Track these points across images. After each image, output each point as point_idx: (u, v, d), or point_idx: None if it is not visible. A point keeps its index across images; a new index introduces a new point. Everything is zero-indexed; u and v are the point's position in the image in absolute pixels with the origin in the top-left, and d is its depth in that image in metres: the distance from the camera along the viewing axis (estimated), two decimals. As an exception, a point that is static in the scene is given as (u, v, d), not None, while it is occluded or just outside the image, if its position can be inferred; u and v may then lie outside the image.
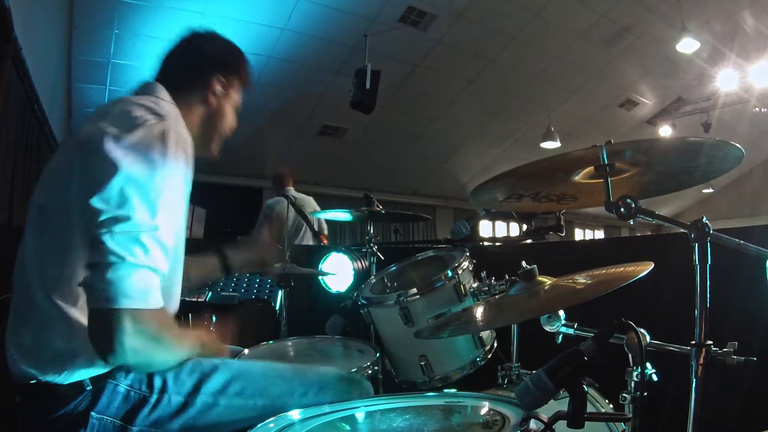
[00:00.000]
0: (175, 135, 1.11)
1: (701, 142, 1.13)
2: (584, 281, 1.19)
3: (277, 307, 2.71)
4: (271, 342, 2.01)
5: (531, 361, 1.71)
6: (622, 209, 1.13)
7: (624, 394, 1.14)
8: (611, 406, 1.59)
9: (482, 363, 1.75)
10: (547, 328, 1.33)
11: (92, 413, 1.10)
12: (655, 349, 1.21)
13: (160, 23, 6.16)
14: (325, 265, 3.40)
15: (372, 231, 2.52)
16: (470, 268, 1.82)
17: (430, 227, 12.12)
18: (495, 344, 1.82)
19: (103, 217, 0.99)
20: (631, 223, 1.15)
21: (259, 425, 1.06)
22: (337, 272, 3.25)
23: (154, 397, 1.16)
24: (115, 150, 1.04)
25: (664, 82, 10.17)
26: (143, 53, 6.38)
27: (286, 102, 8.38)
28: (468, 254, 1.85)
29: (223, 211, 5.49)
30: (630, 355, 1.13)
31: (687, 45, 7.99)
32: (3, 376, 1.14)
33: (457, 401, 1.18)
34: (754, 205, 15.02)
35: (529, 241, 1.76)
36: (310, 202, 5.02)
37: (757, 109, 10.54)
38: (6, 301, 1.18)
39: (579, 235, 16.01)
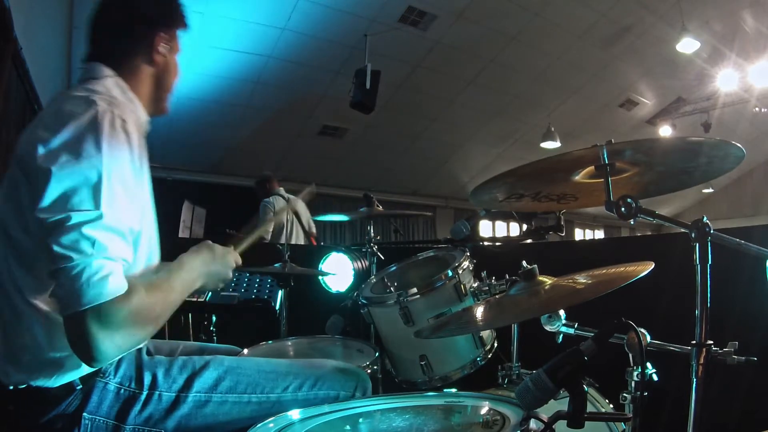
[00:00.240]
0: (110, 116, 1.06)
1: (701, 142, 1.13)
2: (584, 281, 1.19)
3: (277, 307, 2.71)
4: (270, 342, 2.02)
5: (531, 361, 1.71)
6: (622, 209, 1.13)
7: (624, 394, 1.14)
8: (611, 406, 1.59)
9: (482, 363, 1.75)
10: (548, 328, 1.33)
11: (84, 414, 1.10)
12: (656, 349, 1.21)
13: (160, 23, 6.15)
14: (325, 265, 3.40)
15: (372, 231, 2.52)
16: (470, 268, 1.82)
17: (430, 227, 12.12)
18: (495, 344, 1.82)
19: (48, 223, 0.97)
20: (632, 223, 1.15)
21: (258, 425, 1.06)
22: (337, 272, 3.25)
23: (144, 394, 1.15)
24: (47, 155, 1.00)
25: (664, 82, 10.16)
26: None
27: (286, 102, 8.38)
28: (468, 254, 1.85)
29: (223, 211, 5.48)
30: (630, 355, 1.13)
31: (687, 45, 7.99)
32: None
33: (457, 401, 1.18)
34: (754, 205, 15.02)
35: (529, 241, 1.76)
36: (299, 203, 5.07)
37: (757, 109, 10.53)
38: None
39: (579, 235, 16.01)
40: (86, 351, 0.95)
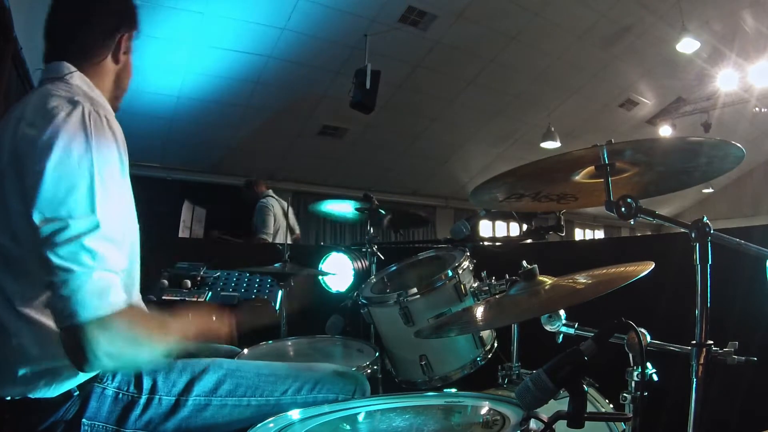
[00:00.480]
0: (95, 115, 1.05)
1: (701, 142, 1.13)
2: (584, 281, 1.19)
3: (277, 307, 2.71)
4: (270, 342, 2.02)
5: (531, 361, 1.71)
6: (622, 209, 1.13)
7: (624, 394, 1.14)
8: (611, 406, 1.59)
9: (482, 363, 1.75)
10: (548, 328, 1.33)
11: (83, 420, 1.09)
12: (656, 348, 1.21)
13: (160, 23, 6.15)
14: (325, 265, 3.40)
15: (372, 231, 2.52)
16: (470, 268, 1.82)
17: (430, 227, 12.12)
18: (495, 344, 1.82)
19: (43, 232, 0.94)
20: (632, 222, 1.15)
21: (258, 425, 1.05)
22: (337, 272, 3.26)
23: (144, 398, 1.15)
24: (38, 154, 0.98)
25: (664, 82, 10.16)
26: (143, 53, 6.35)
27: (286, 102, 8.38)
28: (468, 254, 1.85)
29: (223, 211, 5.48)
30: (630, 355, 1.13)
31: (687, 45, 7.98)
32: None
33: (457, 401, 1.18)
34: (754, 205, 15.01)
35: (529, 241, 1.76)
36: (284, 205, 5.16)
37: (757, 109, 10.52)
38: None
39: (579, 235, 16.00)
40: (84, 359, 0.95)
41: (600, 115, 10.81)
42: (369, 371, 1.65)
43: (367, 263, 2.53)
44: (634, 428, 1.04)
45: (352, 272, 3.30)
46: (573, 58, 8.77)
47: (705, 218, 1.07)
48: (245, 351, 1.75)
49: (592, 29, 8.15)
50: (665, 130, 11.39)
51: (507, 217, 1.68)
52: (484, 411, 1.09)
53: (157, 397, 1.16)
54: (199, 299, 2.58)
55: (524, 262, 1.26)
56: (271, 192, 5.12)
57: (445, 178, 12.06)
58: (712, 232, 1.07)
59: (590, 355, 0.90)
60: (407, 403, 1.18)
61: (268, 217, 4.91)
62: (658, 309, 1.94)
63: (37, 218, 0.95)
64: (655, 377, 1.21)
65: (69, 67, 1.18)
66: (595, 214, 15.60)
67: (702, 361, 1.06)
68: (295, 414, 1.12)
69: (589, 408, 0.90)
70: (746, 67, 9.11)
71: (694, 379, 1.06)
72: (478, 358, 1.74)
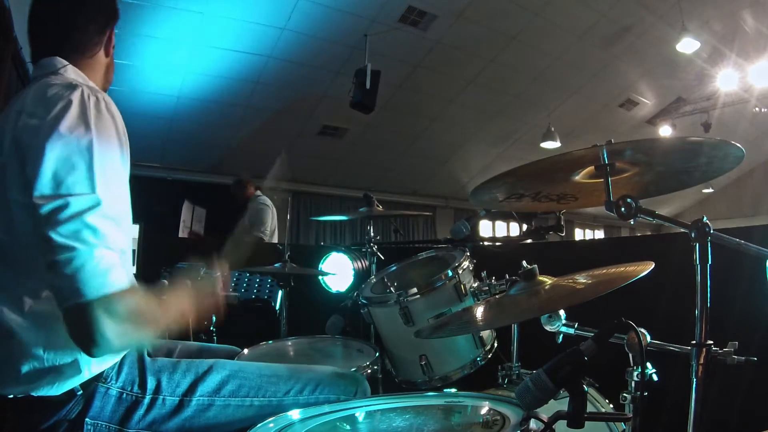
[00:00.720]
0: (95, 99, 1.06)
1: (701, 142, 1.13)
2: (584, 281, 1.19)
3: (277, 307, 2.71)
4: (270, 342, 2.02)
5: (531, 361, 1.71)
6: (622, 209, 1.13)
7: (624, 394, 1.14)
8: (611, 406, 1.59)
9: (482, 363, 1.75)
10: (548, 328, 1.33)
11: (86, 419, 1.09)
12: (656, 348, 1.21)
13: (160, 23, 6.15)
14: (325, 265, 3.40)
15: (372, 231, 2.52)
16: (470, 268, 1.82)
17: (430, 227, 12.12)
18: (495, 344, 1.82)
19: (44, 211, 0.94)
20: (631, 222, 1.15)
21: (258, 425, 1.06)
22: (337, 272, 3.26)
23: (148, 398, 1.15)
24: (38, 136, 0.98)
25: (664, 82, 10.16)
26: (143, 53, 6.39)
27: (286, 102, 8.38)
28: (468, 254, 1.85)
29: (223, 211, 5.47)
30: (630, 355, 1.13)
31: (687, 45, 7.98)
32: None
33: (457, 401, 1.18)
34: (754, 205, 15.01)
35: (529, 241, 1.76)
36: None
37: (757, 109, 10.52)
38: None
39: (579, 235, 16.00)
40: (89, 340, 0.94)
41: (600, 115, 10.81)
42: (369, 371, 1.65)
43: (367, 263, 2.53)
44: (634, 428, 1.04)
45: (352, 272, 3.30)
46: (573, 58, 8.78)
47: (705, 218, 1.07)
48: (245, 351, 1.76)
49: (592, 29, 8.15)
50: (665, 130, 11.39)
51: (507, 217, 1.69)
52: (484, 411, 1.09)
53: (161, 397, 1.16)
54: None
55: (524, 262, 1.26)
56: (260, 192, 5.10)
57: (445, 178, 12.06)
58: (712, 232, 1.07)
59: (590, 355, 0.90)
60: (407, 403, 1.18)
61: (267, 216, 4.91)
62: (658, 309, 1.94)
63: (37, 198, 0.95)
64: (655, 377, 1.21)
65: (62, 61, 1.18)
66: (595, 214, 15.60)
67: (702, 361, 1.06)
68: (295, 414, 1.12)
69: (589, 408, 0.90)
70: (746, 67, 9.11)
71: (694, 379, 1.06)
72: (478, 358, 1.74)
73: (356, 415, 1.16)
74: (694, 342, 1.07)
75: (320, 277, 3.38)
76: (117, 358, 1.16)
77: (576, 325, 1.33)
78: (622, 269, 1.19)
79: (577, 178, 1.24)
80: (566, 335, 1.33)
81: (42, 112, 1.02)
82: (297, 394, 1.28)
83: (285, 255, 2.41)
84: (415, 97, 8.97)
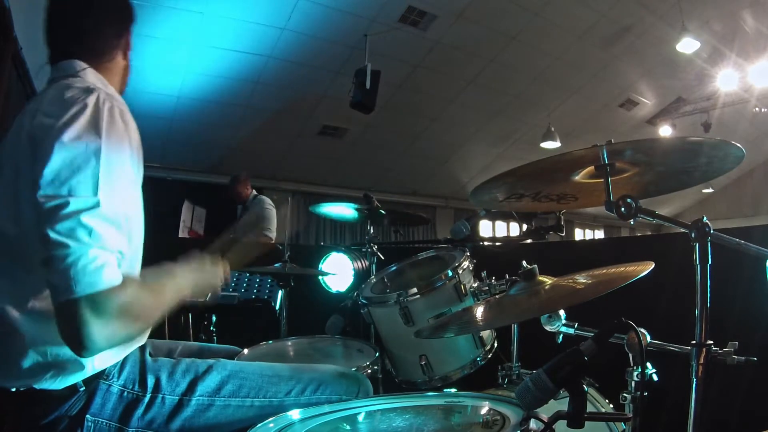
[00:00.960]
0: (109, 105, 1.07)
1: (701, 142, 1.13)
2: (584, 281, 1.19)
3: (277, 307, 2.71)
4: (270, 342, 2.02)
5: (531, 361, 1.71)
6: (622, 209, 1.13)
7: (624, 394, 1.14)
8: (611, 406, 1.59)
9: (482, 363, 1.75)
10: (548, 328, 1.33)
11: (87, 416, 1.09)
12: (656, 349, 1.21)
13: (160, 23, 6.15)
14: (325, 265, 3.40)
15: (372, 231, 2.52)
16: (470, 268, 1.82)
17: (430, 227, 12.11)
18: (495, 344, 1.82)
19: (45, 208, 0.96)
20: (631, 223, 1.15)
21: (258, 425, 1.06)
22: (337, 272, 3.26)
23: (148, 396, 1.15)
24: (50, 135, 1.00)
25: (664, 82, 10.16)
26: (143, 53, 6.38)
27: (286, 102, 8.38)
28: (468, 254, 1.85)
29: (223, 211, 5.48)
30: (630, 355, 1.13)
31: (687, 45, 7.98)
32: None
33: (457, 401, 1.18)
34: (754, 205, 15.01)
35: (529, 241, 1.76)
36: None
37: (757, 109, 10.52)
38: None
39: (579, 235, 16.00)
40: (77, 339, 0.94)
41: (600, 115, 10.81)
42: (369, 371, 1.65)
43: (367, 263, 2.53)
44: (634, 428, 1.04)
45: (352, 272, 3.31)
46: (573, 58, 8.78)
47: (705, 218, 1.07)
48: (245, 351, 1.76)
49: (592, 29, 8.15)
50: (665, 130, 11.39)
51: (507, 217, 1.68)
52: (484, 411, 1.09)
53: (161, 396, 1.16)
54: (199, 299, 2.58)
55: (524, 262, 1.26)
56: (256, 192, 5.07)
57: (445, 178, 12.06)
58: (711, 232, 1.07)
59: (590, 355, 0.90)
60: (407, 403, 1.18)
61: (274, 217, 4.90)
62: (658, 309, 1.94)
63: (40, 197, 0.97)
64: (655, 377, 1.21)
65: (81, 64, 1.20)
66: (595, 214, 15.60)
67: (702, 361, 1.06)
68: (295, 414, 1.12)
69: (589, 408, 0.90)
70: (746, 67, 9.11)
71: (694, 379, 1.06)
72: (478, 358, 1.74)
73: (356, 415, 1.16)
74: (694, 342, 1.07)
75: (320, 277, 3.38)
76: (120, 356, 1.16)
77: (576, 325, 1.33)
78: (622, 269, 1.19)
79: (577, 178, 1.24)
80: (566, 335, 1.33)
81: (57, 112, 1.04)
82: (299, 394, 1.28)
83: (285, 255, 2.41)
84: (415, 97, 8.97)
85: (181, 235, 5.49)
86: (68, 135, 1.00)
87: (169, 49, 6.61)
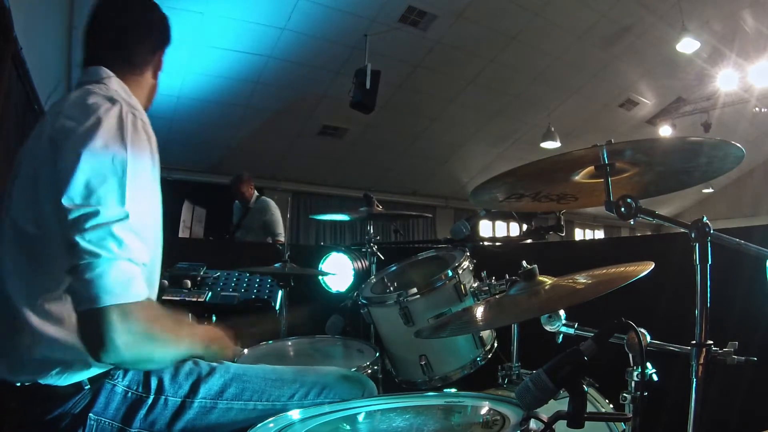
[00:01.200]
0: (132, 117, 1.09)
1: (701, 142, 1.13)
2: (584, 281, 1.19)
3: (277, 307, 2.71)
4: (270, 342, 2.02)
5: (531, 361, 1.71)
6: (622, 209, 1.13)
7: (624, 394, 1.14)
8: (611, 406, 1.59)
9: (482, 363, 1.75)
10: (548, 328, 1.33)
11: (90, 414, 1.09)
12: (656, 349, 1.21)
13: (160, 23, 6.15)
14: (325, 265, 3.40)
15: (372, 231, 2.52)
16: (470, 268, 1.82)
17: (430, 227, 12.12)
18: (495, 344, 1.82)
19: (72, 216, 0.97)
20: (631, 223, 1.15)
21: (258, 425, 1.05)
22: (337, 272, 3.26)
23: (151, 398, 1.15)
24: (75, 144, 1.02)
25: (664, 82, 10.16)
26: (143, 53, 6.37)
27: (286, 102, 8.38)
28: (468, 254, 1.85)
29: (223, 211, 5.49)
30: (630, 355, 1.13)
31: (687, 45, 7.99)
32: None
33: (457, 401, 1.18)
34: (754, 205, 15.01)
35: (529, 241, 1.76)
36: None
37: (757, 109, 10.52)
38: None
39: (579, 235, 16.00)
40: (99, 344, 0.95)
41: (600, 115, 10.82)
42: (369, 371, 1.65)
43: (367, 263, 2.53)
44: (634, 428, 1.04)
45: (352, 272, 3.30)
46: (573, 58, 8.78)
47: (705, 218, 1.07)
48: (245, 351, 1.76)
49: (592, 29, 8.15)
50: (665, 130, 11.40)
51: (507, 217, 1.68)
52: (484, 411, 1.08)
53: (164, 397, 1.16)
54: (199, 299, 2.59)
55: (524, 262, 1.26)
56: (257, 193, 5.09)
57: (445, 178, 12.06)
58: (711, 232, 1.07)
59: (590, 355, 0.90)
60: (407, 403, 1.18)
61: (280, 219, 4.91)
62: (658, 309, 1.94)
63: (67, 203, 0.97)
64: (655, 377, 1.21)
65: (107, 71, 1.23)
66: (595, 214, 15.60)
67: (702, 361, 1.06)
68: (295, 414, 1.11)
69: (589, 408, 0.90)
70: (746, 67, 9.11)
71: (694, 379, 1.06)
72: (478, 358, 1.74)
73: (356, 415, 1.16)
74: (694, 342, 1.07)
75: (320, 277, 3.38)
76: None
77: (576, 325, 1.32)
78: (622, 269, 1.19)
79: (577, 178, 1.24)
80: (566, 335, 1.33)
81: (78, 117, 1.06)
82: (302, 398, 1.27)
83: (285, 255, 2.41)
84: (415, 97, 8.98)
85: (181, 235, 5.49)
86: (94, 143, 1.02)
87: (169, 49, 6.60)
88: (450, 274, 1.73)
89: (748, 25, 8.01)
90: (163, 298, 2.41)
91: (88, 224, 0.96)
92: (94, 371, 1.11)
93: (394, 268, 2.08)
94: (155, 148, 1.14)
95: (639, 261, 1.18)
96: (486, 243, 2.02)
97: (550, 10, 7.50)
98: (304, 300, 2.80)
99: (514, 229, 2.28)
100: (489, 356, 1.77)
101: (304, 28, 6.96)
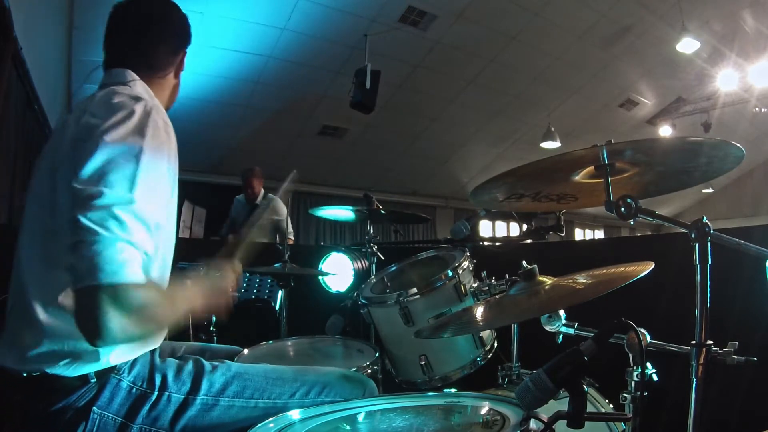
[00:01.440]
0: (155, 116, 1.11)
1: (701, 142, 1.13)
2: (584, 281, 1.19)
3: (277, 307, 2.71)
4: (270, 342, 2.02)
5: (531, 361, 1.71)
6: (622, 209, 1.13)
7: (624, 394, 1.14)
8: (611, 406, 1.59)
9: (482, 363, 1.75)
10: (548, 328, 1.33)
11: (94, 408, 1.10)
12: (656, 349, 1.21)
13: (160, 23, 6.15)
14: (325, 265, 3.40)
15: (372, 231, 2.52)
16: (470, 268, 1.82)
17: (430, 227, 12.12)
18: (495, 344, 1.82)
19: (79, 196, 0.98)
20: (631, 223, 1.15)
21: (258, 425, 1.06)
22: (337, 272, 3.26)
23: (155, 394, 1.16)
24: (95, 134, 1.04)
25: (664, 82, 10.16)
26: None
27: (286, 102, 8.38)
28: (468, 254, 1.85)
29: (223, 211, 5.49)
30: (630, 355, 1.13)
31: (687, 45, 7.98)
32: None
33: (457, 401, 1.18)
34: (754, 205, 15.01)
35: (529, 241, 1.76)
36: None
37: (757, 109, 10.53)
38: (5, 301, 1.18)
39: (579, 235, 16.01)
40: (92, 326, 0.95)
41: (600, 115, 10.82)
42: (369, 371, 1.65)
43: (367, 263, 2.53)
44: (634, 428, 1.04)
45: (352, 272, 3.30)
46: (573, 58, 8.78)
47: (705, 218, 1.07)
48: (245, 351, 1.76)
49: (592, 29, 8.15)
50: (665, 130, 11.40)
51: (507, 217, 1.68)
52: (484, 411, 1.09)
53: (167, 394, 1.17)
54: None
55: (524, 262, 1.26)
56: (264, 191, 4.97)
57: (445, 178, 12.06)
58: (711, 232, 1.07)
59: (590, 355, 0.90)
60: (407, 403, 1.18)
61: (287, 217, 4.86)
62: (658, 309, 1.94)
63: (77, 184, 0.99)
64: (655, 377, 1.21)
65: (132, 75, 1.26)
66: (595, 214, 15.60)
67: (702, 361, 1.06)
68: (295, 414, 1.12)
69: (589, 408, 0.90)
70: (746, 67, 9.11)
71: (694, 379, 1.06)
72: (478, 358, 1.74)
73: (356, 415, 1.16)
74: (694, 342, 1.07)
75: (320, 277, 3.38)
76: (132, 355, 1.17)
77: (576, 325, 1.32)
78: (622, 269, 1.19)
79: (577, 178, 1.24)
80: (566, 335, 1.33)
81: (103, 115, 1.08)
82: (303, 396, 1.28)
83: (285, 255, 2.41)
84: (415, 97, 8.98)
85: (181, 235, 5.48)
86: (113, 136, 1.04)
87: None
88: (450, 274, 1.73)
89: (748, 25, 8.02)
90: (174, 294, 2.41)
91: (92, 204, 0.98)
92: (102, 365, 1.11)
93: (394, 268, 2.08)
94: (175, 151, 1.15)
95: (639, 261, 1.18)
96: (486, 243, 2.02)
97: (550, 10, 7.50)
98: (304, 300, 2.80)
99: (514, 229, 2.28)
100: (489, 356, 1.77)
101: (304, 28, 6.96)
